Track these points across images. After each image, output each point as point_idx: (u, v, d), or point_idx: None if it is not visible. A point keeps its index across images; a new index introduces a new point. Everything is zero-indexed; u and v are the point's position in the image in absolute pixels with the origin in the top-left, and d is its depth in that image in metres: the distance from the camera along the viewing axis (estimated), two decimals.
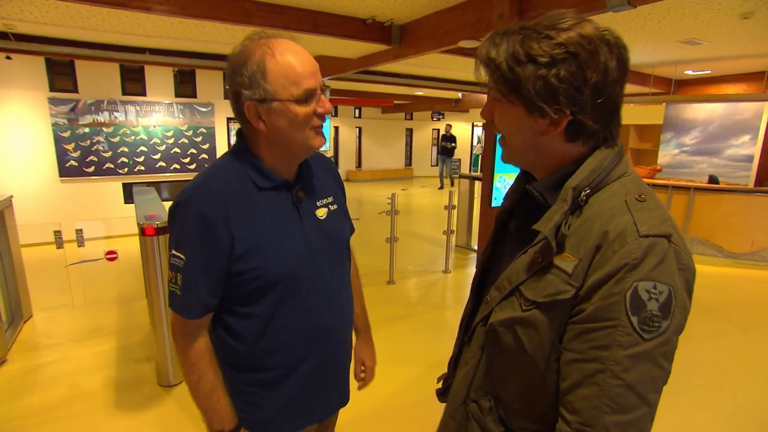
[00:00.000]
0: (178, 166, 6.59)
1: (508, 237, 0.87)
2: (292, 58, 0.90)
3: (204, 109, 6.68)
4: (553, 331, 0.67)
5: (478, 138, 16.83)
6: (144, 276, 3.31)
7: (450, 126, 12.53)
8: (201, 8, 3.17)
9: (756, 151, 6.46)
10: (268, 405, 1.06)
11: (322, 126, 0.98)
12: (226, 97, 6.79)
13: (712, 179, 6.16)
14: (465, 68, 5.98)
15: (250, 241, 0.94)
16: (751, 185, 6.39)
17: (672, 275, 0.61)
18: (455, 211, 5.30)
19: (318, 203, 1.08)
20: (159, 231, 2.51)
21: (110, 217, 5.98)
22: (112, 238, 5.85)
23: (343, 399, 1.22)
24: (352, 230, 1.25)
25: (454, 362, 0.95)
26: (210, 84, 6.69)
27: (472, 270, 5.22)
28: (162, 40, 4.85)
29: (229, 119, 6.98)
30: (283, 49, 0.91)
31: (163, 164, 6.48)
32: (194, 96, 6.58)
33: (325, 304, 1.07)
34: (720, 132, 6.84)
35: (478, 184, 6.21)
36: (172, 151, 6.52)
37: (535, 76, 0.65)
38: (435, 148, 16.16)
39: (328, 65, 5.59)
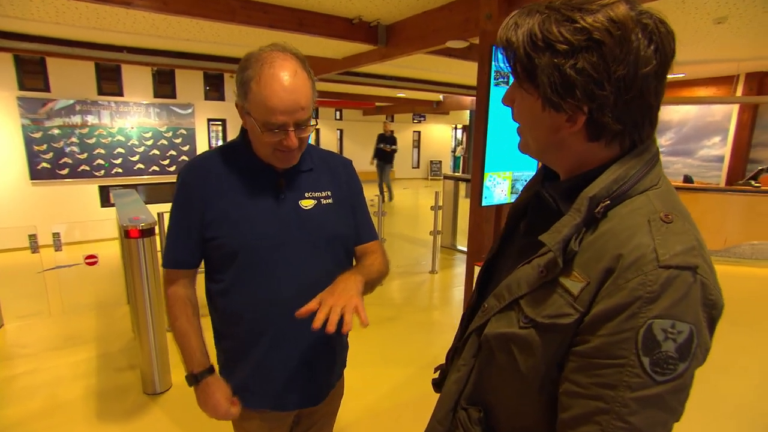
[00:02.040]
0: (157, 168, 6.41)
1: (517, 235, 0.82)
2: (272, 92, 0.94)
3: (184, 111, 6.52)
4: (549, 354, 0.61)
5: (458, 140, 16.99)
6: (127, 280, 3.20)
7: (389, 123, 10.35)
8: (184, 4, 3.09)
9: (726, 151, 6.71)
10: (237, 374, 1.15)
11: (286, 153, 1.03)
12: (205, 99, 6.72)
13: (687, 179, 6.36)
14: (449, 69, 6.02)
15: (219, 211, 1.05)
16: (722, 185, 6.63)
17: (696, 313, 0.54)
18: (440, 211, 5.31)
19: (306, 194, 1.12)
20: (144, 233, 2.42)
21: (86, 221, 5.77)
22: (87, 242, 5.63)
23: (313, 396, 1.19)
24: (370, 236, 1.25)
25: (452, 355, 0.93)
26: (190, 84, 6.54)
27: (458, 270, 5.24)
28: (141, 38, 4.71)
29: (209, 120, 6.83)
30: (269, 79, 0.94)
31: (142, 166, 6.30)
32: (174, 96, 6.41)
33: (285, 287, 1.09)
34: (693, 133, 7.07)
35: (462, 185, 6.26)
36: (150, 153, 6.33)
37: (550, 65, 0.58)
38: (415, 150, 16.23)
39: (312, 66, 5.53)
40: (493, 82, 2.84)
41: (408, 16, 3.81)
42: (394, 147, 9.97)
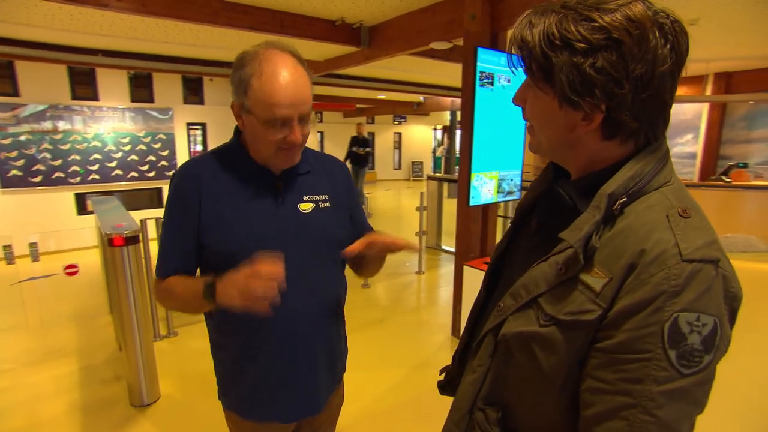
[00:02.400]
0: (136, 174, 6.26)
1: (526, 233, 0.81)
2: (274, 85, 0.93)
3: (162, 115, 6.39)
4: (572, 352, 0.61)
5: (438, 141, 17.11)
6: (110, 290, 3.12)
7: (363, 125, 9.92)
8: (164, 6, 3.02)
9: (698, 149, 6.94)
10: (237, 385, 1.11)
11: (290, 149, 1.01)
12: (184, 102, 6.59)
13: None
14: (431, 70, 6.06)
15: (216, 216, 1.02)
16: (695, 180, 6.86)
17: (718, 306, 0.54)
18: (425, 212, 5.33)
19: (304, 198, 1.10)
20: (128, 241, 2.36)
21: (63, 230, 5.58)
22: (64, 252, 5.46)
23: (311, 406, 1.16)
24: (370, 229, 1.24)
25: (459, 356, 0.93)
26: (169, 88, 6.41)
27: (444, 270, 5.27)
28: (117, 41, 4.59)
29: (189, 125, 6.70)
30: (270, 74, 0.93)
31: (120, 172, 6.13)
32: (152, 101, 6.28)
33: (292, 293, 1.04)
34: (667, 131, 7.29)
35: (446, 185, 6.31)
36: (128, 159, 6.18)
37: (569, 64, 0.58)
38: (396, 152, 16.28)
39: None
40: (478, 82, 2.87)
41: (391, 18, 3.82)
42: (368, 149, 9.68)
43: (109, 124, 5.98)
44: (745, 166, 6.17)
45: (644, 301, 0.54)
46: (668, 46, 0.57)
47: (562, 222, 0.65)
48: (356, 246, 1.03)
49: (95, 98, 5.89)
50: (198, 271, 1.10)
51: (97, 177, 5.98)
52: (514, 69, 0.68)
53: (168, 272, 1.06)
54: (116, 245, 2.33)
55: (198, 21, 3.22)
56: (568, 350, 0.61)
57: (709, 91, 6.65)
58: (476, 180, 3.08)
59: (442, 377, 0.99)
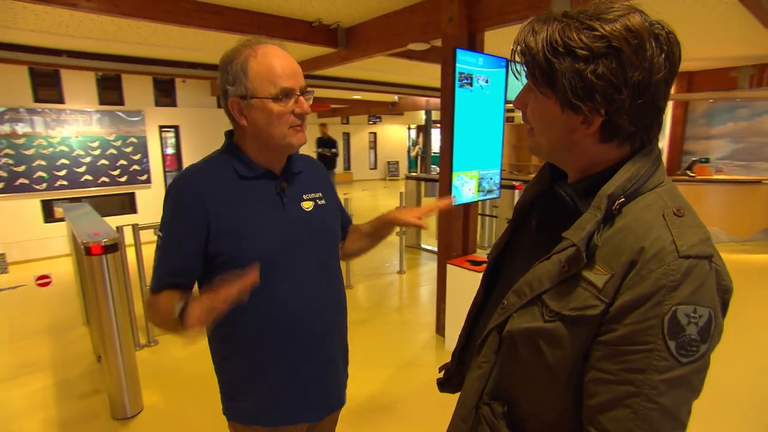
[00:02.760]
0: (107, 180, 6.04)
1: (526, 232, 0.84)
2: (273, 60, 0.98)
3: (133, 118, 6.19)
4: (577, 345, 0.63)
5: (413, 141, 17.21)
6: (87, 300, 3.01)
7: (327, 126, 9.62)
8: (136, 7, 2.94)
9: (664, 144, 7.23)
10: (256, 393, 1.09)
11: (301, 125, 1.04)
12: (156, 105, 6.42)
13: None
14: (407, 71, 6.09)
15: (227, 223, 1.00)
16: None
17: (712, 298, 0.58)
18: None
19: (304, 196, 1.13)
20: (107, 249, 2.29)
21: (29, 239, 5.34)
22: (31, 262, 5.23)
23: (337, 399, 1.22)
24: (350, 220, 1.36)
25: (459, 354, 0.95)
26: (139, 90, 6.23)
27: (425, 269, 5.32)
28: (84, 41, 4.43)
29: (161, 128, 6.52)
30: (265, 52, 0.99)
31: (89, 177, 5.91)
32: (121, 103, 6.08)
33: (310, 293, 1.09)
34: None
35: (423, 185, 6.37)
36: (98, 164, 5.96)
37: (571, 70, 0.61)
38: (372, 152, 16.28)
39: None
40: (457, 84, 2.91)
41: (368, 19, 3.83)
42: (334, 150, 9.48)
43: (75, 127, 5.75)
44: (707, 161, 6.47)
45: (645, 296, 0.57)
46: (663, 56, 0.61)
47: (563, 221, 0.68)
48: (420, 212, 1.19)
49: (60, 101, 5.66)
50: (195, 285, 1.08)
51: (65, 183, 5.74)
52: (516, 74, 0.71)
53: (160, 286, 1.02)
54: (94, 254, 2.26)
55: (170, 22, 3.14)
56: (573, 344, 0.64)
57: (672, 90, 6.92)
58: (457, 179, 3.12)
59: (441, 375, 1.01)
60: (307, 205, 1.12)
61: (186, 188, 1.02)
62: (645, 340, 0.57)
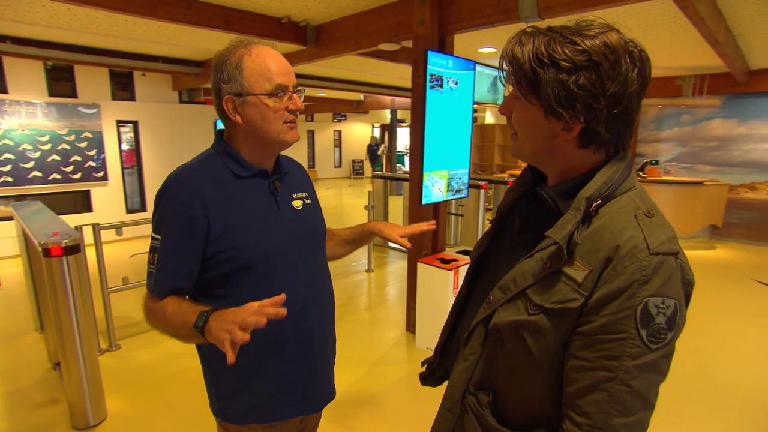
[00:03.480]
0: (58, 176, 5.70)
1: (507, 232, 0.88)
2: (267, 58, 1.01)
3: (88, 111, 5.86)
4: (558, 336, 0.69)
5: (376, 139, 17.26)
6: (41, 304, 2.85)
7: None
8: None
9: None
10: (253, 390, 1.09)
11: (294, 122, 1.06)
12: (113, 98, 6.09)
13: None
14: (373, 70, 6.11)
15: (226, 223, 1.00)
16: None
17: (678, 290, 0.65)
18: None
19: (294, 196, 1.15)
20: (68, 251, 2.17)
21: None
22: None
23: (331, 392, 1.26)
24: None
25: (441, 349, 0.99)
26: (94, 82, 5.91)
27: (393, 267, 5.38)
28: (33, 28, 4.16)
29: (118, 122, 6.22)
30: (259, 51, 1.01)
31: (38, 174, 5.55)
32: (74, 96, 5.74)
33: (304, 289, 1.11)
34: None
35: (391, 184, 6.42)
36: (49, 159, 5.61)
37: (555, 80, 0.66)
38: (337, 150, 16.19)
39: None
40: (428, 85, 2.97)
41: (338, 18, 3.82)
42: None
43: (19, 120, 5.38)
44: (657, 163, 6.89)
45: (620, 289, 0.64)
46: (636, 71, 0.67)
47: (544, 221, 0.74)
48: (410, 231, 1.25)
49: (3, 90, 5.28)
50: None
51: (9, 179, 5.37)
52: (504, 82, 0.76)
53: (166, 291, 1.00)
54: (54, 255, 2.14)
55: (136, 13, 3.01)
56: (555, 335, 0.69)
57: None
58: (428, 179, 3.18)
59: (423, 369, 1.05)
60: (297, 204, 1.15)
61: (185, 188, 1.00)
62: (620, 329, 0.63)
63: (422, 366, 1.06)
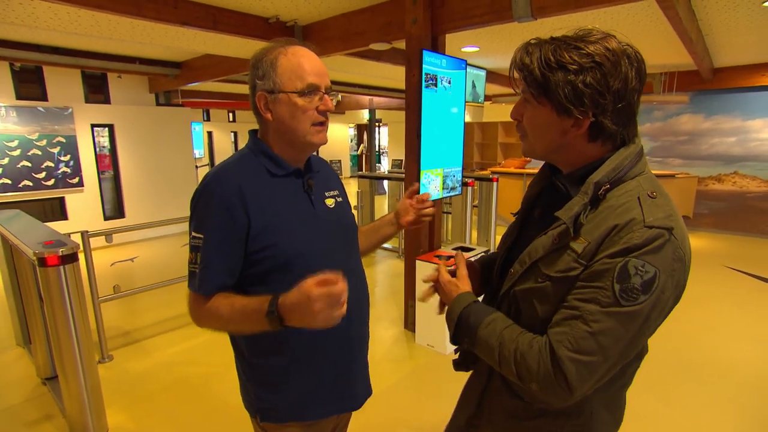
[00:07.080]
0: (29, 183, 5.42)
1: (533, 222, 0.96)
2: (302, 58, 1.02)
3: (59, 115, 5.60)
4: (558, 299, 0.78)
5: (352, 138, 17.20)
6: (35, 317, 2.72)
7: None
8: None
9: None
10: (293, 388, 1.09)
11: (324, 124, 1.07)
12: (86, 101, 5.83)
13: None
14: (354, 69, 6.10)
15: (266, 220, 1.01)
16: None
17: (664, 262, 0.70)
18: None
19: (326, 194, 1.17)
20: (65, 260, 2.09)
21: None
22: None
23: (368, 388, 1.27)
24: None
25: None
26: (66, 84, 5.65)
27: (383, 267, 5.39)
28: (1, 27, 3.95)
29: (93, 126, 5.96)
30: (296, 51, 1.03)
31: (8, 181, 5.27)
32: (44, 98, 5.48)
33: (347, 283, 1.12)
34: None
35: (373, 183, 6.42)
36: (19, 166, 5.34)
37: (564, 81, 0.75)
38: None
39: (222, 66, 5.21)
40: (423, 84, 2.99)
41: (327, 17, 3.80)
42: None
43: None
44: None
45: (611, 253, 0.72)
46: (634, 70, 0.76)
47: (560, 208, 0.81)
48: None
49: None
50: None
51: None
52: (516, 89, 0.85)
53: (214, 288, 1.01)
54: (51, 265, 2.05)
55: (121, 13, 2.91)
56: (556, 300, 0.79)
57: None
58: (424, 177, 3.21)
59: (456, 356, 1.09)
60: (330, 203, 1.17)
61: (225, 186, 1.00)
62: (598, 279, 0.72)
63: (456, 353, 1.10)
